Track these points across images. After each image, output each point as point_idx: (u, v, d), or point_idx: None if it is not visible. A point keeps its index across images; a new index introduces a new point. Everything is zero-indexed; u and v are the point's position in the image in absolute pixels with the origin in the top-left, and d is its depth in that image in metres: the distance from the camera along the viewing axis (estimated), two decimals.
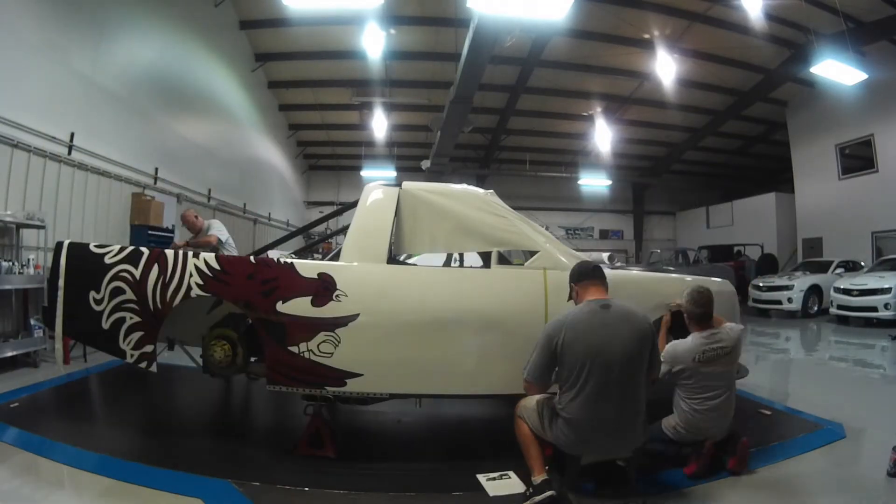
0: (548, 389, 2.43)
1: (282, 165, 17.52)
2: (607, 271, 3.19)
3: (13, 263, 5.06)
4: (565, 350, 2.24)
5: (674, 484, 2.70)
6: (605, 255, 4.51)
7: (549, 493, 2.34)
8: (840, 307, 9.77)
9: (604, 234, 22.17)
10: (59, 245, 2.99)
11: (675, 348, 2.82)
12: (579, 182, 19.53)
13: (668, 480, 2.74)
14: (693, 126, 16.84)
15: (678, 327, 3.05)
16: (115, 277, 2.88)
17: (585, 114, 15.91)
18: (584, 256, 3.40)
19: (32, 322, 5.18)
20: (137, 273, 2.88)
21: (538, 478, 2.40)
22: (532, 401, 2.48)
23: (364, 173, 17.50)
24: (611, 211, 21.99)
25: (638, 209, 22.13)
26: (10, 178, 5.46)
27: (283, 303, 2.82)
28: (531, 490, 2.41)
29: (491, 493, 2.54)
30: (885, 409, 4.25)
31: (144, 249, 2.94)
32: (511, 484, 2.61)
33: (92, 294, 2.87)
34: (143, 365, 2.88)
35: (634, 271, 3.56)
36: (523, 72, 13.55)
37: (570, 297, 2.65)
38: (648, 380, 2.40)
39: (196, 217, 5.84)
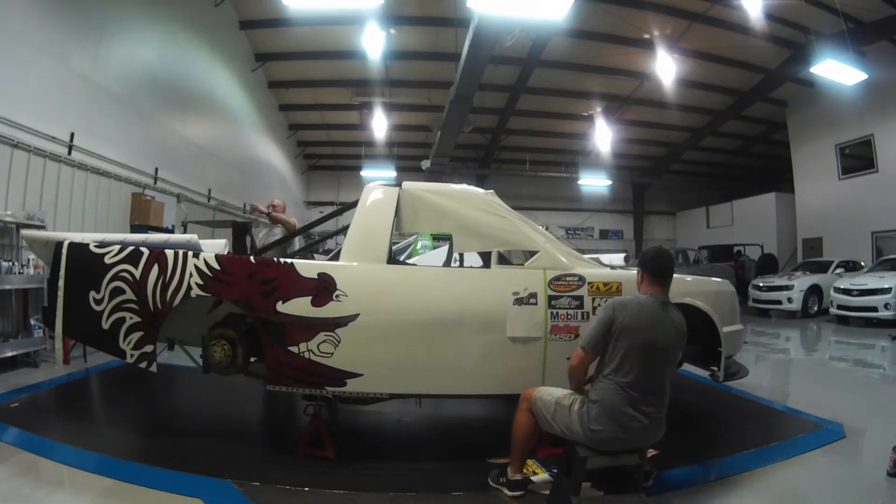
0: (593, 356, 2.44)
1: (282, 165, 17.52)
2: (608, 271, 3.21)
3: (13, 263, 5.06)
4: (623, 332, 2.28)
5: (680, 484, 2.71)
6: (622, 256, 4.49)
7: (520, 492, 2.50)
8: (840, 307, 9.77)
9: (604, 234, 22.16)
10: (59, 245, 2.99)
11: None
12: (579, 182, 19.54)
13: (674, 480, 2.74)
14: (693, 126, 16.84)
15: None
16: (115, 277, 2.87)
17: (585, 114, 15.91)
18: (586, 257, 3.40)
19: (32, 322, 5.18)
20: (137, 273, 2.88)
21: (515, 475, 2.52)
22: (549, 392, 2.49)
23: (364, 173, 17.51)
24: (611, 211, 21.99)
25: (638, 209, 22.13)
26: (10, 178, 5.46)
27: (283, 303, 2.82)
28: (504, 480, 2.54)
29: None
30: (885, 409, 4.25)
31: (144, 249, 2.93)
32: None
33: (92, 294, 2.87)
34: (143, 365, 2.88)
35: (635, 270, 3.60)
36: (523, 72, 13.55)
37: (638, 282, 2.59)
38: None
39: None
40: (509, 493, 2.51)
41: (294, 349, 2.81)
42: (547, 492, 2.54)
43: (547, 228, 3.77)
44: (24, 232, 3.79)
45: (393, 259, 3.17)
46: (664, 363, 2.30)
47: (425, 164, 15.22)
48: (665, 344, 2.28)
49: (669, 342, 2.30)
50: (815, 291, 11.01)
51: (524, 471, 2.62)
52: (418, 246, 6.03)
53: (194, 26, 10.07)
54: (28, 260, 5.20)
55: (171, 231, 8.22)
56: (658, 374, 2.28)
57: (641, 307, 2.33)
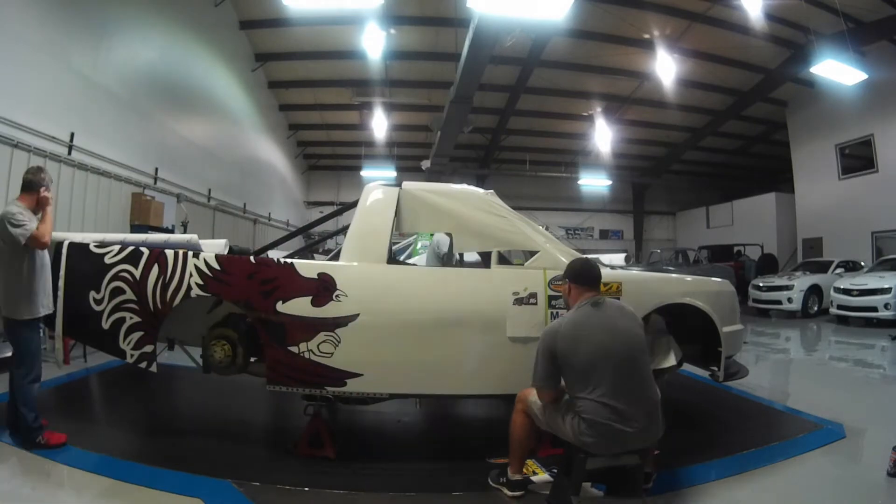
0: (558, 389, 2.39)
1: (282, 165, 17.53)
2: (608, 271, 3.21)
3: None
4: (566, 358, 2.23)
5: (680, 484, 2.71)
6: (622, 256, 4.40)
7: (520, 493, 2.49)
8: (840, 307, 9.76)
9: (604, 234, 22.16)
10: (60, 245, 2.99)
11: None
12: (579, 182, 19.54)
13: (674, 480, 2.74)
14: (693, 126, 16.85)
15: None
16: (116, 277, 2.87)
17: (585, 114, 15.91)
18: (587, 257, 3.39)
19: None
20: (137, 273, 2.88)
21: (515, 475, 2.51)
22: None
23: (364, 173, 17.52)
24: (611, 211, 21.99)
25: (638, 209, 22.13)
26: (10, 178, 5.46)
27: (283, 303, 2.82)
28: (504, 480, 2.53)
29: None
30: (885, 409, 4.25)
31: (144, 249, 2.94)
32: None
33: (92, 294, 2.87)
34: (143, 365, 2.88)
35: (635, 271, 3.59)
36: (523, 72, 13.56)
37: (562, 294, 2.66)
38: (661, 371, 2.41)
39: None
40: (509, 493, 2.50)
41: (294, 349, 2.81)
42: (547, 492, 2.54)
43: (547, 228, 3.76)
44: None
45: (393, 259, 3.17)
46: (632, 360, 2.21)
47: (425, 164, 15.22)
48: (619, 340, 2.22)
49: (623, 336, 2.23)
50: (815, 291, 11.01)
51: (524, 471, 2.62)
52: (418, 246, 6.03)
53: (194, 26, 10.08)
54: None
55: (172, 231, 8.23)
56: (631, 374, 2.20)
57: (574, 323, 2.28)
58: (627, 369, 2.19)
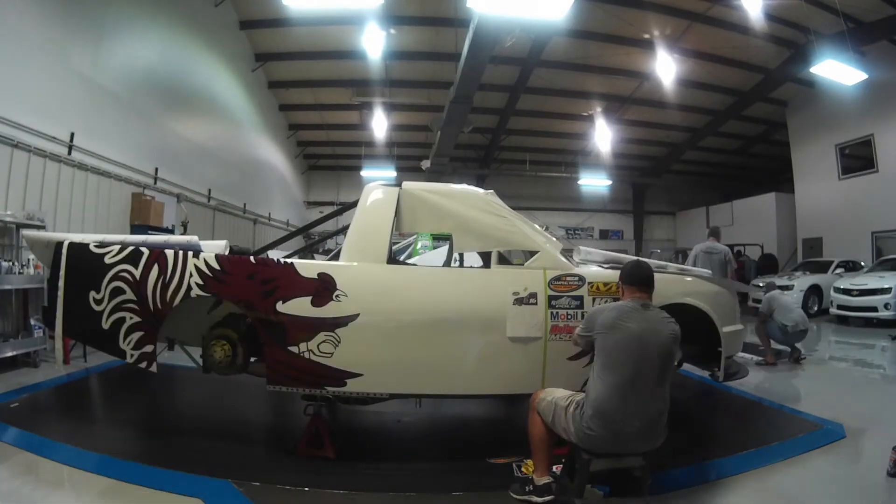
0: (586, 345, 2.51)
1: (282, 165, 17.52)
2: (608, 271, 3.20)
3: (13, 263, 5.05)
4: (602, 334, 2.33)
5: (680, 484, 2.70)
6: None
7: (549, 497, 2.37)
8: (840, 307, 9.76)
9: (604, 234, 22.14)
10: (59, 245, 2.99)
11: None
12: (579, 182, 19.53)
13: (674, 480, 2.74)
14: (693, 126, 16.83)
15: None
16: (115, 277, 2.87)
17: (585, 114, 15.90)
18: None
19: (32, 322, 5.17)
20: (137, 273, 2.88)
21: (542, 479, 2.41)
22: (551, 393, 2.48)
23: (364, 173, 17.51)
24: (611, 211, 21.98)
25: (638, 209, 22.12)
26: (10, 178, 5.46)
27: (284, 303, 2.82)
28: (531, 487, 2.43)
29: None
30: (885, 409, 4.25)
31: (144, 249, 2.94)
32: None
33: (92, 294, 2.87)
34: (143, 365, 2.88)
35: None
36: (523, 72, 13.55)
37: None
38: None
39: None
40: (539, 500, 2.39)
41: (294, 349, 2.81)
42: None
43: (547, 228, 3.76)
44: (25, 232, 3.80)
45: (393, 259, 3.17)
46: (657, 363, 2.23)
47: (425, 164, 15.22)
48: (654, 341, 2.24)
49: (658, 339, 2.26)
50: (815, 291, 11.00)
51: (524, 471, 2.61)
52: (418, 246, 6.03)
53: (194, 26, 10.07)
54: (28, 260, 5.19)
55: (172, 231, 8.23)
56: (651, 375, 2.22)
57: (619, 310, 2.37)
58: (649, 368, 2.23)
